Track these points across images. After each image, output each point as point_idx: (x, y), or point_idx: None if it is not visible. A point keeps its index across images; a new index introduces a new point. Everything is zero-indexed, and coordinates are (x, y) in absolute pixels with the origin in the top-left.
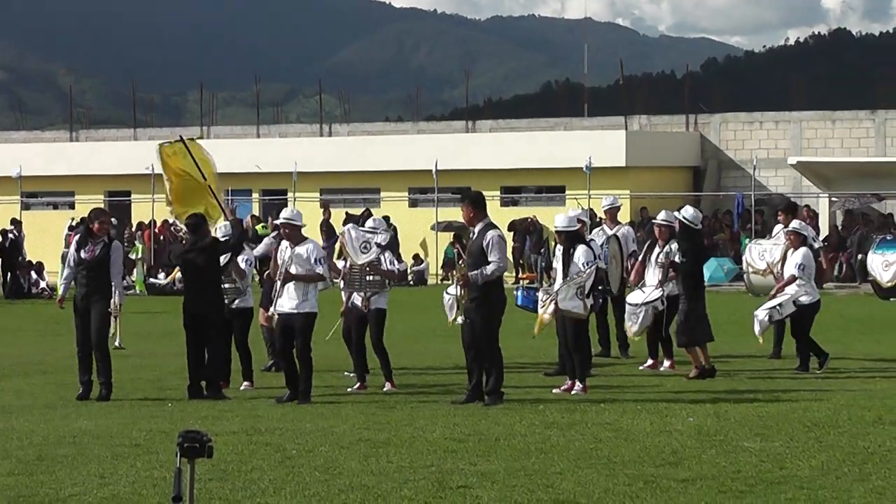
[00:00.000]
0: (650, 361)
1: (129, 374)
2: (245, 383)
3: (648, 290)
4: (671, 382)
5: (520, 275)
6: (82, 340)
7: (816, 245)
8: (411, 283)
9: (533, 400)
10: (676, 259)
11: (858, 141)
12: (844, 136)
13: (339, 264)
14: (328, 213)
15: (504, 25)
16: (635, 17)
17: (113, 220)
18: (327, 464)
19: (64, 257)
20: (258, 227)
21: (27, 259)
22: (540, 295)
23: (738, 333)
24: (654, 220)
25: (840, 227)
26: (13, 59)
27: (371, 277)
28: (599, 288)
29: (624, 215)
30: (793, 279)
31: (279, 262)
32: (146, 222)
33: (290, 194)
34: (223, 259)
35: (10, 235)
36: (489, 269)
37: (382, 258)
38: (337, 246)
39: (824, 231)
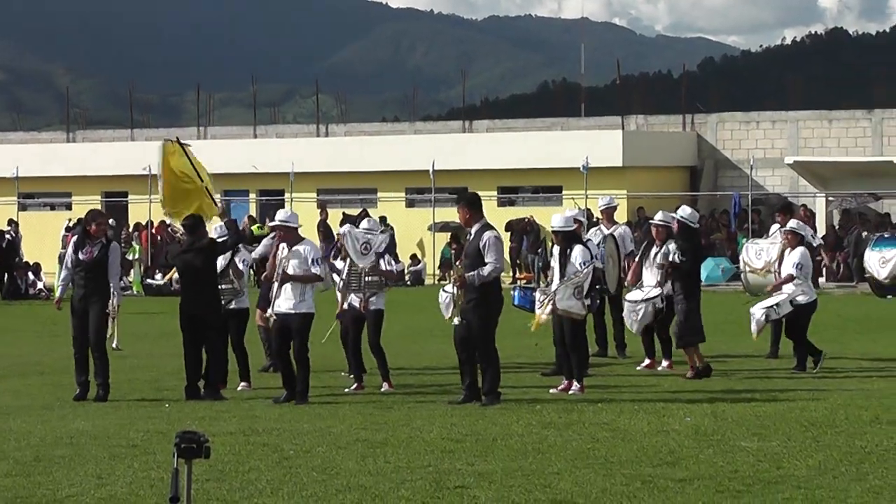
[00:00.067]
0: (647, 361)
1: (126, 374)
2: (242, 384)
3: (647, 289)
4: (668, 382)
5: (517, 275)
6: (80, 341)
7: (816, 242)
8: (408, 283)
9: (530, 400)
10: (676, 259)
11: (855, 140)
12: (841, 136)
13: (339, 265)
14: (325, 213)
15: (500, 25)
16: (632, 16)
17: (111, 221)
18: (325, 464)
19: (61, 258)
20: (254, 227)
21: (24, 260)
22: (537, 295)
23: (735, 333)
24: (651, 220)
25: (837, 227)
26: (12, 59)
27: (370, 278)
28: (597, 288)
29: (621, 215)
30: (790, 278)
31: (277, 262)
32: (143, 223)
33: (287, 195)
34: (222, 260)
35: (7, 236)
36: (486, 270)
37: (381, 259)
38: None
39: (821, 231)
